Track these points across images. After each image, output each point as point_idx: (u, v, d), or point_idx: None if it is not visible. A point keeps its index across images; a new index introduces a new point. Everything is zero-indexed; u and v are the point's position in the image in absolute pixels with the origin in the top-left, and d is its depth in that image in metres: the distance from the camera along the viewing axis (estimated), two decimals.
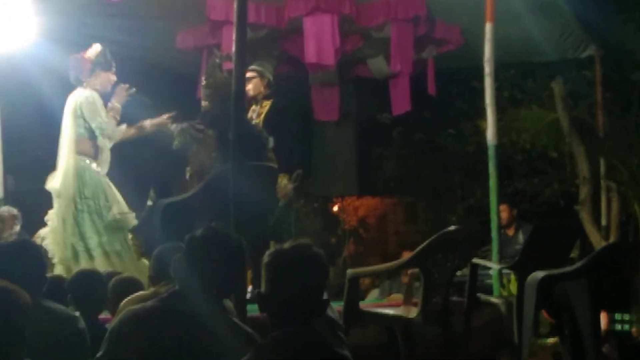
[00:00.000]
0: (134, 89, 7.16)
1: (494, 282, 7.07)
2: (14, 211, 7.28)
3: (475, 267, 6.28)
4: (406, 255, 6.47)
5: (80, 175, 6.90)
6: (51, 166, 7.09)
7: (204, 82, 6.77)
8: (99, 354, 3.15)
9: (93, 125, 6.94)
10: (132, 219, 7.00)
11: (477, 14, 7.31)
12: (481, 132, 8.15)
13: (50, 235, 6.85)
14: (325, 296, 2.91)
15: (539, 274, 5.79)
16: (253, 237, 5.49)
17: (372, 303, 7.93)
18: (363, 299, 8.42)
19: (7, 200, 7.82)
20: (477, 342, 6.39)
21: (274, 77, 7.51)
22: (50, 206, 7.02)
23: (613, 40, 9.09)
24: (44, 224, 7.01)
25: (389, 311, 5.99)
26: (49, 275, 4.24)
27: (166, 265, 3.44)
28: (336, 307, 4.91)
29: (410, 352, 5.54)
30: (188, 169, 6.97)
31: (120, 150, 7.42)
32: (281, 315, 2.82)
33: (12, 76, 7.94)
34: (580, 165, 8.76)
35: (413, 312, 5.48)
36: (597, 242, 8.22)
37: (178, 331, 3.08)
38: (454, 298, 6.09)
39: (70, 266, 6.61)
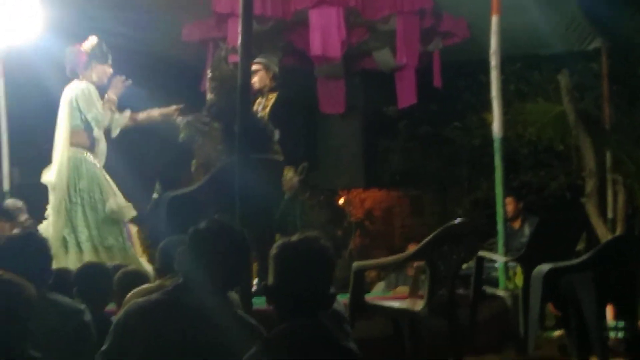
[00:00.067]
0: (130, 81, 7.13)
1: (500, 275, 7.06)
2: (19, 203, 7.29)
3: (481, 259, 6.28)
4: (412, 248, 6.48)
5: (76, 167, 6.87)
6: None
7: (209, 75, 6.77)
8: (104, 347, 3.16)
9: (89, 117, 6.91)
10: (129, 212, 6.99)
11: (483, 7, 7.29)
12: (487, 125, 8.13)
13: (48, 229, 6.83)
14: (332, 290, 2.91)
15: (545, 267, 5.79)
16: (259, 229, 5.53)
17: (378, 296, 7.92)
18: (369, 291, 8.41)
19: (12, 193, 7.83)
20: (483, 335, 6.40)
21: (280, 70, 7.49)
22: None
23: (620, 33, 9.07)
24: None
25: (395, 304, 5.99)
26: (54, 268, 4.24)
27: (172, 258, 3.44)
28: (342, 300, 4.91)
29: (416, 345, 5.55)
30: (194, 161, 6.97)
31: (126, 139, 7.41)
32: (288, 308, 2.82)
33: (18, 69, 7.96)
34: (587, 158, 8.74)
35: (419, 305, 5.48)
36: (603, 234, 8.21)
37: (182, 324, 3.08)
38: (460, 291, 6.10)
39: (59, 258, 6.51)
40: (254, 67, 6.81)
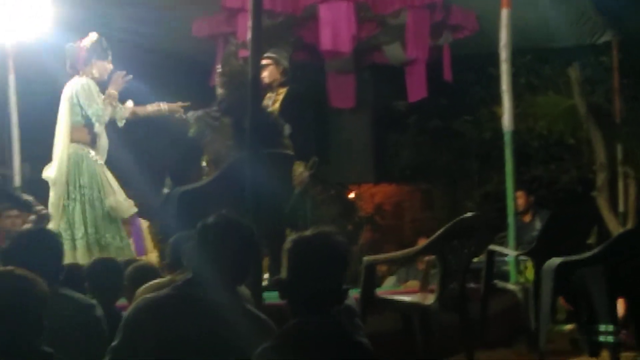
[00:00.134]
0: (130, 76, 7.12)
1: (511, 269, 7.05)
2: (29, 199, 7.30)
3: (492, 253, 6.27)
4: (422, 242, 6.48)
5: (77, 163, 6.84)
6: None
7: (219, 70, 6.77)
8: (114, 342, 3.16)
9: (89, 113, 6.89)
10: (129, 209, 7.00)
11: (493, 0, 7.28)
12: (497, 119, 8.11)
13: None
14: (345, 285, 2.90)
15: (556, 261, 5.77)
16: (269, 224, 5.52)
17: (389, 290, 7.93)
18: (379, 286, 8.42)
19: (23, 189, 7.85)
20: (494, 329, 6.40)
21: (290, 65, 7.50)
22: None
23: (630, 26, 9.03)
24: None
25: (406, 298, 5.99)
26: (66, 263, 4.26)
27: (182, 254, 3.45)
28: (353, 295, 4.92)
29: (427, 339, 5.54)
30: (204, 157, 6.98)
31: (132, 132, 7.40)
32: (302, 303, 2.82)
33: (29, 65, 7.98)
34: (597, 152, 8.73)
35: (430, 299, 5.48)
36: (615, 228, 8.19)
37: (192, 319, 3.08)
38: (471, 285, 6.10)
39: None
40: (264, 61, 6.82)
